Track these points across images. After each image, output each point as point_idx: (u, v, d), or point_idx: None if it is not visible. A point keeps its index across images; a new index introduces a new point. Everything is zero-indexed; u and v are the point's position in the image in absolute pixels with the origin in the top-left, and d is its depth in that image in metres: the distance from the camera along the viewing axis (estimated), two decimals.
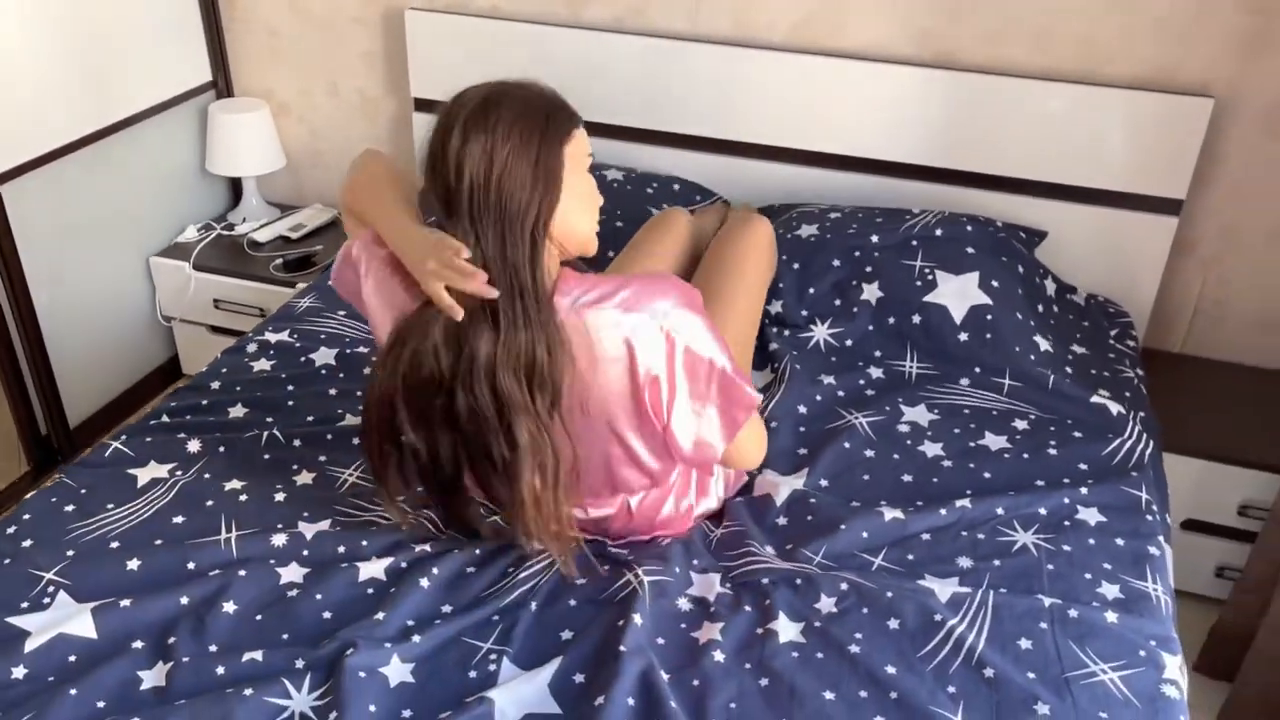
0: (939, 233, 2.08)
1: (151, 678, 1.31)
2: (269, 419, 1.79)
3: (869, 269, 2.04)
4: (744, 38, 2.37)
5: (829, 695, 1.32)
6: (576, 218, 1.36)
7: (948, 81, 2.22)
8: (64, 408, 2.53)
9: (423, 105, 2.62)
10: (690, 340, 1.35)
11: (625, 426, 1.40)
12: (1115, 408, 1.85)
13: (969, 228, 2.10)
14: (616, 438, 1.41)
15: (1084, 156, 2.20)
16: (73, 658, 1.33)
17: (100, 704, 1.27)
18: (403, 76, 2.67)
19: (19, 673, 1.31)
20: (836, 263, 2.06)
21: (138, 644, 1.35)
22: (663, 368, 1.35)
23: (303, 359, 1.98)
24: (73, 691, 1.27)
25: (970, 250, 2.05)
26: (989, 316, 1.98)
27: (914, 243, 2.06)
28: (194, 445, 1.71)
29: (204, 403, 1.84)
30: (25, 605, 1.40)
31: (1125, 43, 2.14)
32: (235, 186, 2.96)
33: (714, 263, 1.89)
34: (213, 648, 1.35)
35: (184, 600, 1.41)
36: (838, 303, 2.04)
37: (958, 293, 1.98)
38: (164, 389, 2.85)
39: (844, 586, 1.48)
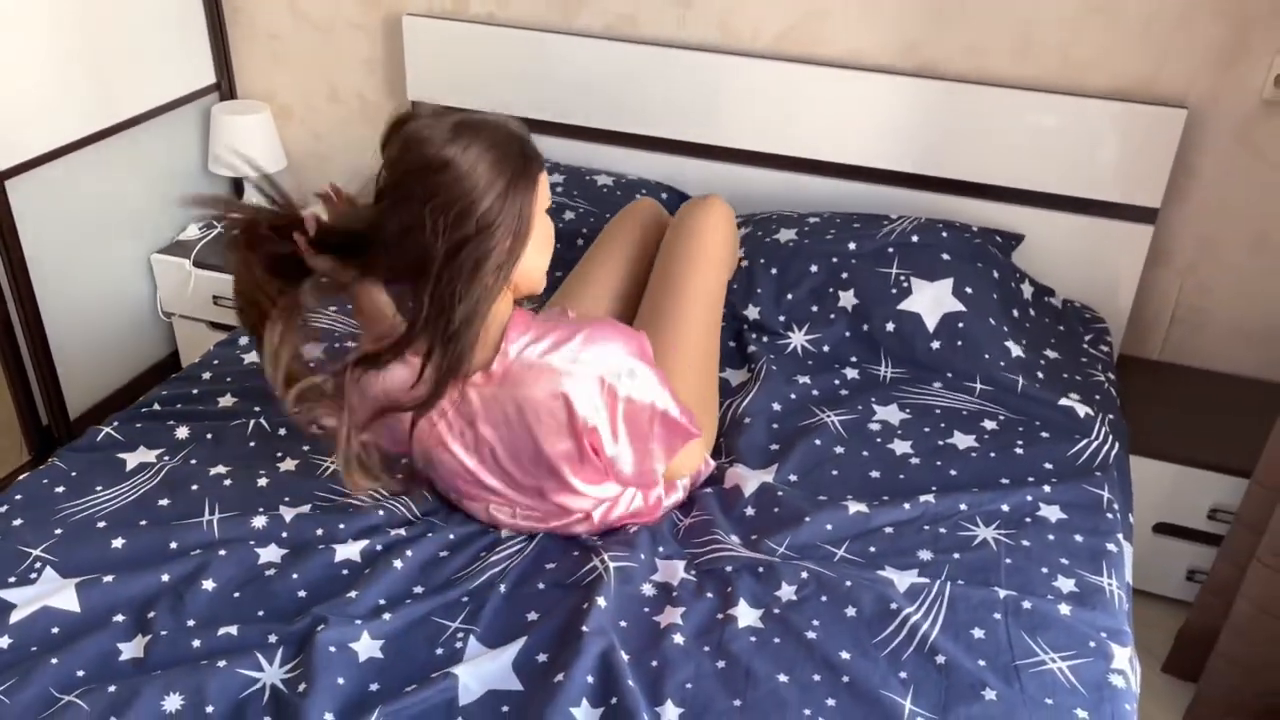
0: (915, 239, 2.12)
1: (130, 649, 1.36)
2: (256, 409, 1.84)
3: (845, 275, 2.09)
4: (730, 45, 2.42)
5: (783, 678, 1.37)
6: (535, 260, 1.41)
7: (930, 90, 2.27)
8: (65, 399, 2.59)
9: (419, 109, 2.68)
10: (632, 390, 1.42)
11: (564, 466, 1.47)
12: (1084, 410, 1.89)
13: (944, 234, 2.14)
14: (554, 474, 1.48)
15: (1062, 165, 2.24)
16: (55, 629, 1.39)
17: (80, 673, 1.32)
18: (401, 81, 2.73)
19: (3, 643, 1.36)
20: (814, 269, 2.11)
21: (119, 618, 1.41)
22: (604, 419, 1.42)
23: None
24: (54, 661, 1.32)
25: (946, 256, 2.09)
26: (961, 324, 2.01)
27: (890, 250, 2.10)
28: (183, 431, 1.77)
29: (195, 392, 1.90)
30: (13, 580, 1.46)
31: (1104, 54, 2.18)
32: (237, 186, 3.02)
33: (671, 250, 1.90)
34: (190, 622, 1.40)
35: (165, 578, 1.46)
36: (815, 309, 2.08)
37: (932, 300, 2.02)
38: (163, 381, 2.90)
39: (804, 575, 1.52)
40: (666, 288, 1.82)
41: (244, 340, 2.07)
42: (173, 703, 1.27)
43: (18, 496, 1.62)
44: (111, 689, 1.28)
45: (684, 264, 1.85)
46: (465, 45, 2.57)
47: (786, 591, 1.50)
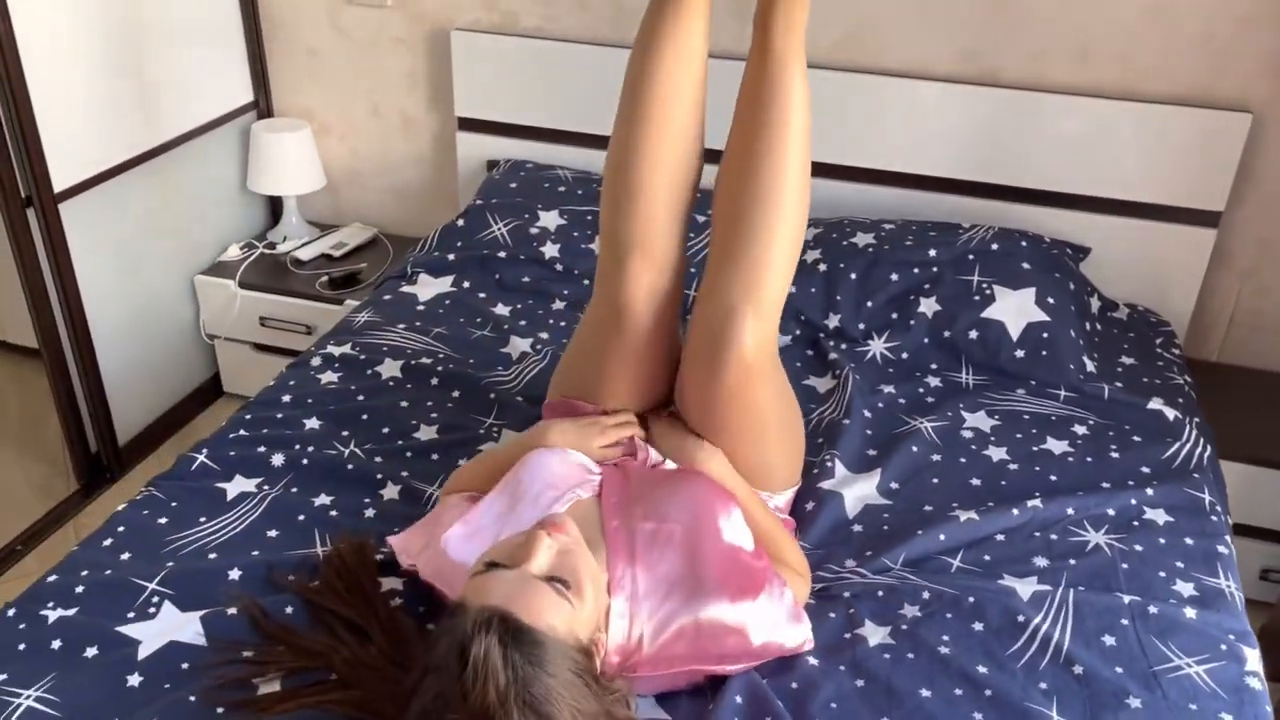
0: (994, 248, 2.13)
1: (266, 684, 1.34)
2: (344, 432, 1.82)
3: (927, 284, 2.09)
4: None
5: (925, 693, 1.36)
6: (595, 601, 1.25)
7: (989, 98, 2.28)
8: (114, 426, 2.55)
9: (466, 124, 2.67)
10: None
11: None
12: (1171, 413, 1.91)
13: (1023, 243, 2.16)
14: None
15: (1124, 171, 2.26)
16: (185, 665, 1.36)
17: (220, 710, 1.29)
18: (445, 96, 2.71)
19: (135, 680, 1.33)
20: (895, 276, 2.11)
21: (248, 653, 1.38)
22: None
23: (368, 371, 2.01)
24: (191, 698, 1.30)
25: (1026, 266, 2.10)
26: (1045, 334, 2.03)
27: (970, 257, 2.12)
28: (277, 459, 1.74)
29: (278, 416, 1.87)
30: (131, 615, 1.43)
31: (1164, 60, 2.21)
32: (274, 205, 2.99)
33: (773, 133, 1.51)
34: None
35: (288, 609, 1.43)
36: (894, 316, 2.09)
37: (1015, 309, 2.04)
38: (205, 407, 2.87)
39: (926, 595, 1.51)
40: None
41: (315, 362, 2.04)
42: None
43: (120, 529, 1.59)
44: None
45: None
46: (515, 60, 2.56)
47: (910, 610, 1.49)
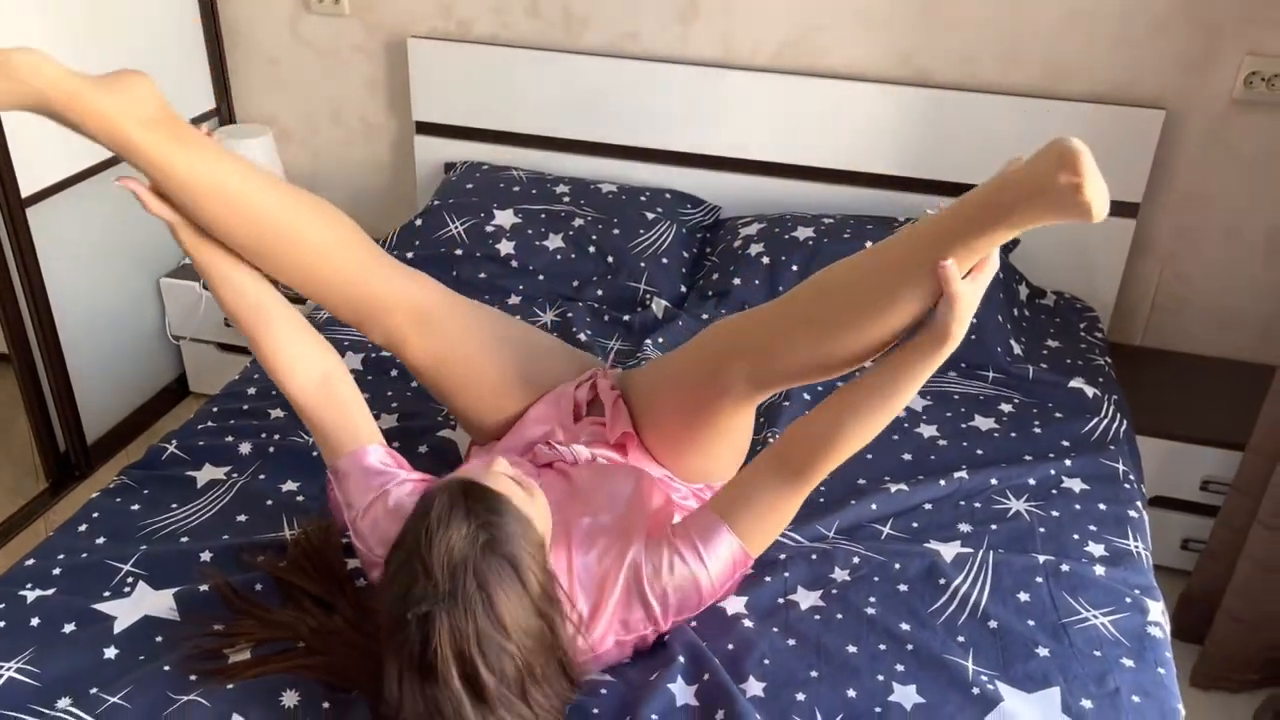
0: None
1: (235, 654, 1.42)
2: None
3: None
4: (731, 60, 2.53)
5: (851, 649, 1.47)
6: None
7: (924, 98, 2.41)
8: (83, 426, 2.61)
9: (424, 128, 2.76)
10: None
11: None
12: (1091, 391, 2.03)
13: None
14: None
15: None
16: (159, 638, 1.44)
17: (193, 677, 1.37)
18: (403, 101, 2.80)
19: (110, 653, 1.41)
20: None
21: (219, 626, 1.46)
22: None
23: None
24: (165, 667, 1.38)
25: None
26: (974, 320, 2.13)
27: None
28: (245, 448, 1.82)
29: (244, 408, 1.95)
30: (107, 594, 1.51)
31: (1085, 61, 2.34)
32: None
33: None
34: None
35: (258, 586, 1.52)
36: None
37: None
38: (173, 406, 2.93)
39: (855, 560, 1.62)
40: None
41: None
42: (290, 699, 1.34)
43: (95, 514, 1.67)
44: (230, 687, 1.34)
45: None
46: (470, 66, 2.65)
47: (840, 574, 1.60)
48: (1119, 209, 2.39)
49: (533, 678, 1.19)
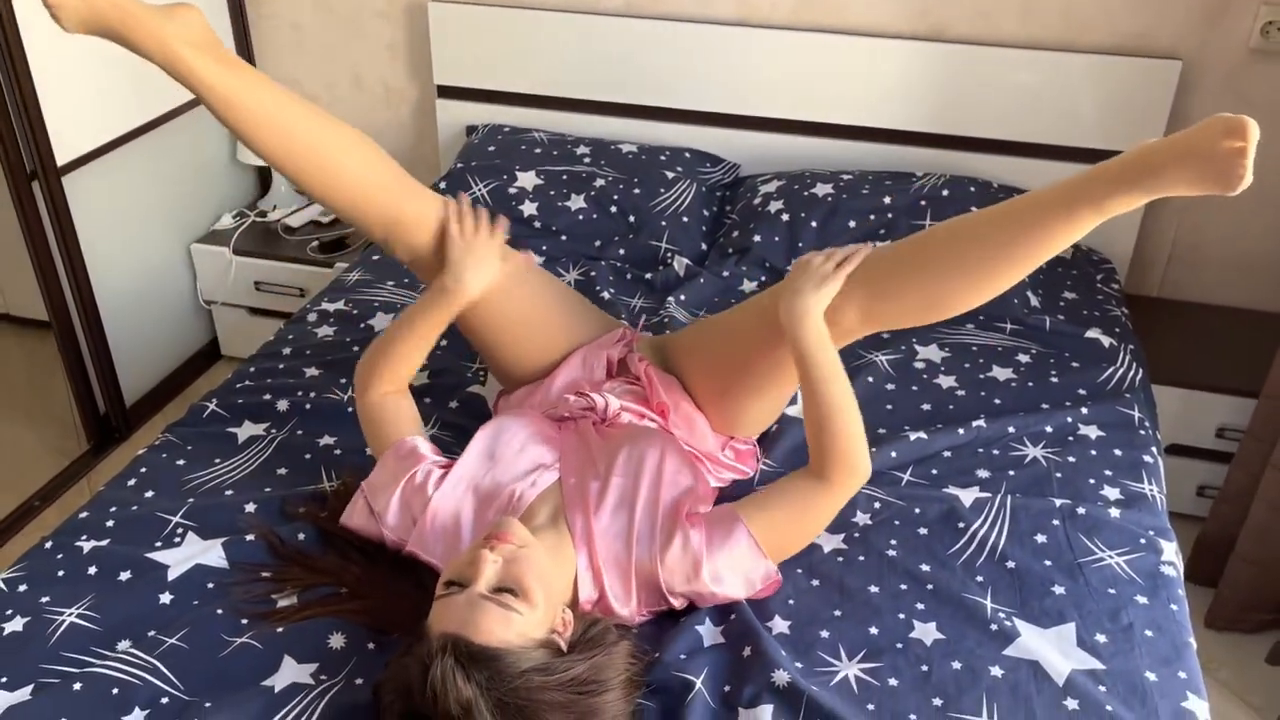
0: (945, 194, 2.29)
1: (284, 599, 1.49)
2: (343, 379, 1.96)
3: (882, 230, 2.24)
4: (749, 19, 2.55)
5: (873, 589, 1.52)
6: (560, 579, 1.37)
7: (940, 53, 2.42)
8: (121, 388, 2.68)
9: (445, 92, 2.79)
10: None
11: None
12: (1107, 340, 2.07)
13: (972, 189, 2.31)
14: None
15: (1065, 118, 2.41)
16: (210, 584, 1.51)
17: (244, 621, 1.44)
18: (425, 66, 2.83)
19: (166, 599, 1.48)
20: (852, 224, 2.26)
21: (266, 573, 1.53)
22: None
23: (362, 325, 2.15)
24: (219, 611, 1.45)
25: (974, 209, 2.24)
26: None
27: (923, 203, 2.27)
28: (282, 404, 1.88)
29: (280, 367, 2.01)
30: (159, 544, 1.57)
31: (1101, 13, 2.35)
32: (264, 176, 3.11)
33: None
34: None
35: (300, 536, 1.58)
36: None
37: None
38: (206, 369, 3.00)
39: (877, 505, 1.68)
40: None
41: (312, 318, 2.18)
42: (337, 640, 1.41)
43: (143, 470, 1.73)
44: (279, 630, 1.41)
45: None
46: (491, 29, 2.68)
47: (862, 518, 1.66)
48: None
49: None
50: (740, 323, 1.67)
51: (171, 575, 1.51)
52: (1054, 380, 1.98)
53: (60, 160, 2.37)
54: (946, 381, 1.98)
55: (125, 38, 1.50)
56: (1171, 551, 1.60)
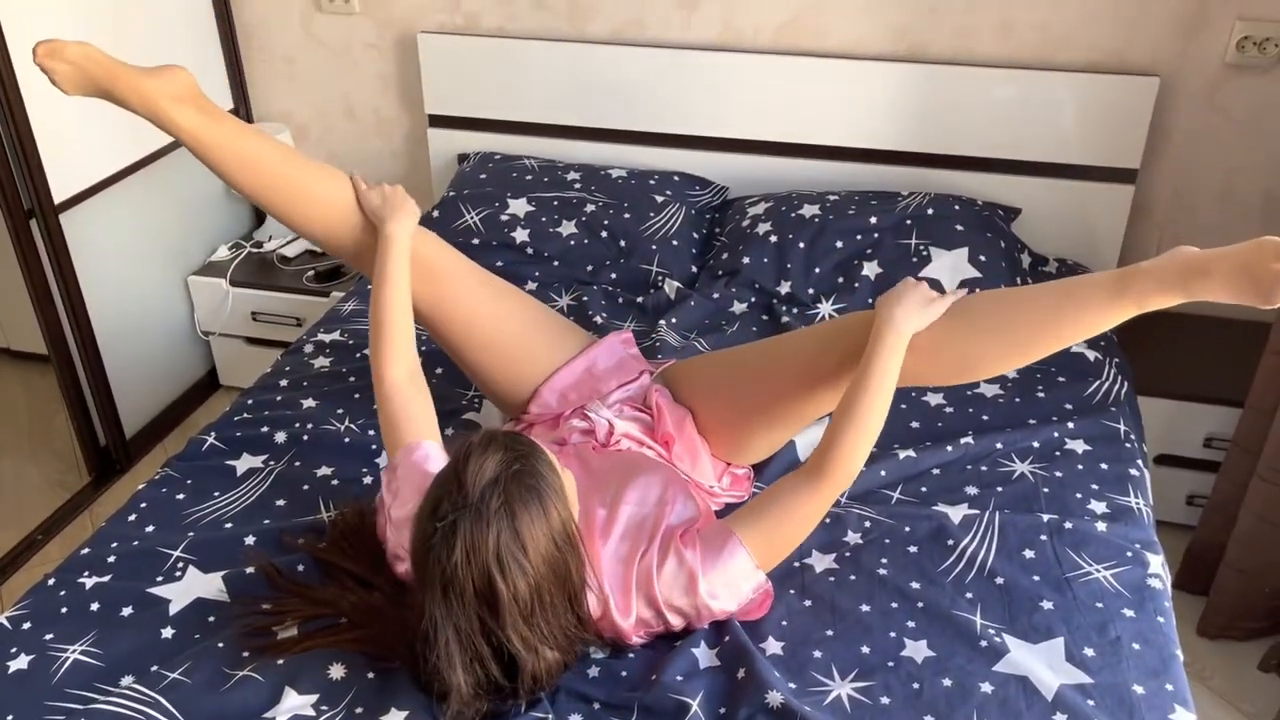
0: (930, 212, 2.32)
1: (284, 631, 1.51)
2: (340, 410, 1.99)
3: (869, 249, 2.28)
4: (733, 43, 2.59)
5: (865, 608, 1.55)
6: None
7: (921, 73, 2.46)
8: (121, 421, 2.71)
9: (436, 121, 2.83)
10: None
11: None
12: (1092, 354, 2.10)
13: (956, 206, 2.34)
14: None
15: (1046, 135, 2.44)
16: (211, 618, 1.53)
17: (245, 654, 1.47)
18: (415, 95, 2.87)
19: (168, 633, 1.51)
20: (839, 244, 2.30)
21: (266, 605, 1.55)
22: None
23: (358, 355, 2.17)
24: (220, 645, 1.47)
25: (959, 228, 2.28)
26: (977, 289, 2.20)
27: (908, 222, 2.30)
28: (280, 436, 1.91)
29: (278, 398, 2.04)
30: (160, 579, 1.60)
31: (1079, 30, 2.39)
32: (258, 208, 3.14)
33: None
34: None
35: (300, 567, 1.61)
36: (840, 280, 2.27)
37: (950, 267, 2.22)
38: (205, 399, 3.03)
39: (867, 524, 1.70)
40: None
41: (308, 349, 2.21)
42: (337, 671, 1.43)
43: (143, 505, 1.76)
44: (280, 661, 1.43)
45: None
46: (479, 58, 2.71)
47: (852, 537, 1.68)
48: (1118, 175, 2.45)
49: (542, 604, 1.29)
50: (790, 352, 1.70)
51: (173, 610, 1.54)
52: (1040, 395, 2.01)
53: (58, 198, 2.40)
54: (934, 399, 2.01)
55: (112, 95, 1.68)
56: (1158, 564, 1.62)
